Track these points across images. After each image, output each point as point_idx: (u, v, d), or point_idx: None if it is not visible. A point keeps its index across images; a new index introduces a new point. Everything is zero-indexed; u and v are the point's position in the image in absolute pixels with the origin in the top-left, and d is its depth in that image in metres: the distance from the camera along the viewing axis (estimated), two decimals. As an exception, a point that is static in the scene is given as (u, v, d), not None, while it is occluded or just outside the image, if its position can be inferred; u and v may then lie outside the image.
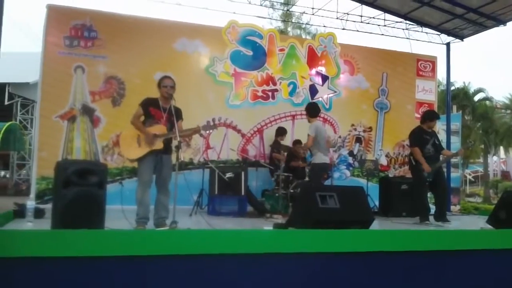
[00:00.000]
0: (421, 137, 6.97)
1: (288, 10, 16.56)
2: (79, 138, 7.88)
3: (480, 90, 26.74)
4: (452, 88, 21.74)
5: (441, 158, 7.12)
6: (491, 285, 3.80)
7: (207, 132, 5.46)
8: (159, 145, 5.12)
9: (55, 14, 7.94)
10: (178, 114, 5.31)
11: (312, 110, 7.23)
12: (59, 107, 7.81)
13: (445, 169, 8.33)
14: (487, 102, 27.17)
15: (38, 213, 5.53)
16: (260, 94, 9.14)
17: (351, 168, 9.73)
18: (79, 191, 4.12)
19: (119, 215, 5.09)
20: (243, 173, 7.44)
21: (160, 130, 5.16)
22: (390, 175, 9.68)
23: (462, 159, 14.44)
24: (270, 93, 9.21)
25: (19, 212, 5.60)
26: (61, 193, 4.12)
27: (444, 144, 8.54)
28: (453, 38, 11.53)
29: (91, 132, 7.95)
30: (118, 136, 7.00)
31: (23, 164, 18.41)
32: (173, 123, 5.15)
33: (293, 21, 21.93)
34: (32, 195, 7.52)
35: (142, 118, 5.26)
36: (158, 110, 5.24)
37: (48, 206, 5.05)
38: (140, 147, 5.13)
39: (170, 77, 5.40)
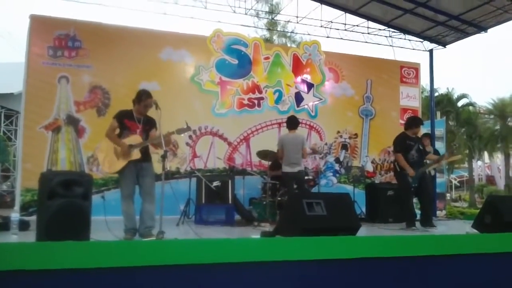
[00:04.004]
0: (404, 143, 7.02)
1: (273, 18, 16.66)
2: (64, 149, 7.80)
3: (463, 96, 27.07)
4: (436, 94, 21.99)
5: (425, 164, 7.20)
6: (478, 289, 3.83)
7: (182, 135, 5.49)
8: (136, 155, 5.14)
9: (38, 25, 7.89)
10: (152, 123, 5.39)
11: (288, 123, 7.63)
12: (43, 118, 7.73)
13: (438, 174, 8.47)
14: (471, 108, 27.50)
15: (23, 226, 5.46)
16: (246, 102, 9.15)
17: (337, 175, 9.77)
18: (64, 202, 4.09)
19: (104, 226, 5.05)
20: (230, 182, 7.42)
21: (135, 141, 5.20)
22: (376, 181, 9.74)
23: (447, 164, 14.55)
24: (256, 101, 9.23)
25: (4, 225, 5.52)
26: (45, 204, 4.09)
27: (429, 150, 8.60)
28: (435, 45, 11.68)
29: (76, 143, 7.88)
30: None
31: (7, 176, 18.17)
32: (148, 133, 5.30)
33: (278, 29, 22.03)
34: (17, 207, 7.40)
35: (118, 130, 5.29)
36: (133, 121, 5.29)
37: (33, 218, 4.99)
38: (119, 160, 5.14)
39: (151, 95, 5.40)
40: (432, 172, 8.21)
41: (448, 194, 22.40)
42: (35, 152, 7.63)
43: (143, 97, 5.30)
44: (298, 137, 7.45)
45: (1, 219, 5.77)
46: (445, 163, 8.54)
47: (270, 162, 8.09)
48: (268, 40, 21.13)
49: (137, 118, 5.31)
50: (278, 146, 7.52)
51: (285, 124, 7.91)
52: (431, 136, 8.79)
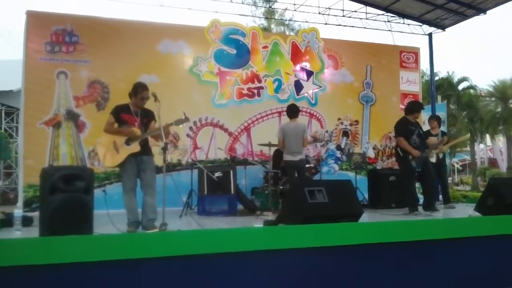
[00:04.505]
0: (406, 127, 7.00)
1: (270, 7, 16.58)
2: (65, 144, 7.80)
3: (464, 79, 27.01)
4: (436, 78, 21.92)
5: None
6: (481, 271, 3.85)
7: (181, 126, 5.49)
8: (136, 148, 5.12)
9: (35, 20, 7.85)
10: (150, 115, 5.38)
11: (288, 112, 7.60)
12: (43, 114, 7.72)
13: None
14: (471, 91, 27.44)
15: (26, 221, 5.48)
16: (245, 92, 9.12)
17: (339, 162, 9.76)
18: (65, 197, 4.09)
19: (107, 220, 5.06)
20: (232, 172, 7.43)
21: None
22: (378, 167, 9.73)
23: (449, 148, 14.59)
24: (255, 91, 9.20)
25: (7, 221, 5.52)
26: (47, 200, 4.09)
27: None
28: (435, 29, 11.62)
29: (77, 138, 7.88)
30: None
31: (9, 173, 18.22)
32: (147, 126, 5.28)
33: (276, 18, 21.95)
34: (20, 203, 7.44)
35: (115, 125, 5.29)
36: (130, 115, 5.28)
37: (36, 214, 5.00)
38: (118, 153, 5.13)
39: (148, 87, 5.39)
40: (441, 156, 8.14)
41: (450, 178, 22.43)
42: (36, 148, 7.64)
43: (139, 90, 5.28)
44: (299, 126, 7.43)
45: (4, 216, 5.78)
46: (447, 147, 8.46)
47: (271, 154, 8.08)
48: (266, 29, 21.08)
49: (134, 111, 5.29)
50: (278, 135, 7.48)
51: (285, 113, 7.90)
52: (439, 119, 8.71)
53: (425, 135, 8.04)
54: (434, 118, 8.66)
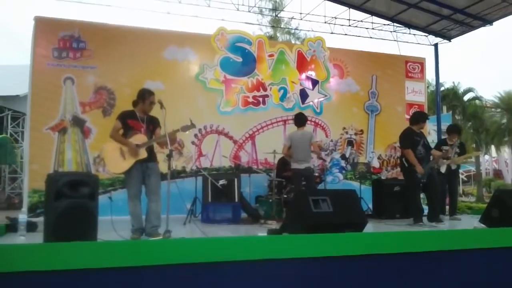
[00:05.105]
0: (412, 138, 6.98)
1: (276, 15, 16.62)
2: (70, 150, 7.83)
3: (469, 90, 26.88)
4: (442, 88, 21.87)
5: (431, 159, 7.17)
6: (485, 283, 3.82)
7: (187, 132, 5.52)
8: (143, 154, 5.15)
9: (43, 26, 7.91)
10: (156, 122, 5.41)
11: (295, 121, 7.61)
12: (49, 119, 7.76)
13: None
14: (477, 102, 27.29)
15: (31, 227, 5.49)
16: (251, 100, 9.14)
17: (343, 171, 9.74)
18: (70, 203, 4.10)
19: (111, 227, 5.06)
20: (236, 180, 7.43)
21: (141, 140, 5.21)
22: (383, 177, 9.70)
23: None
24: (261, 99, 9.22)
25: (12, 226, 5.55)
26: (52, 205, 4.10)
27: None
28: (440, 39, 11.65)
29: (82, 143, 7.90)
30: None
31: (15, 178, 18.28)
32: (153, 132, 5.32)
33: (282, 26, 22.00)
34: (24, 208, 7.46)
35: (121, 131, 5.30)
36: (137, 121, 5.30)
37: (41, 219, 5.01)
38: (125, 159, 5.14)
39: (153, 92, 5.47)
40: (453, 167, 8.01)
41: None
42: (42, 153, 7.66)
43: (146, 95, 5.33)
44: (305, 134, 7.43)
45: (9, 221, 5.81)
46: (462, 159, 8.09)
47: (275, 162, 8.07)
48: (272, 38, 21.13)
49: (140, 118, 5.32)
50: (285, 141, 7.49)
51: (290, 122, 7.90)
52: (459, 130, 8.34)
53: (441, 144, 8.01)
54: (455, 130, 8.17)
